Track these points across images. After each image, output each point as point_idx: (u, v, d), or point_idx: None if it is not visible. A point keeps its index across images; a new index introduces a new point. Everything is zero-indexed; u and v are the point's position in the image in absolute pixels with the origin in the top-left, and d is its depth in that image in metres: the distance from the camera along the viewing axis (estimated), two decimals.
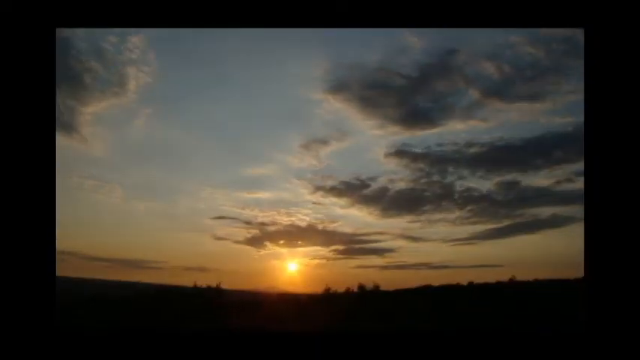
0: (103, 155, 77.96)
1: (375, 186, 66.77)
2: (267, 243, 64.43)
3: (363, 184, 66.94)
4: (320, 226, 64.19)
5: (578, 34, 48.32)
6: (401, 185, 64.11)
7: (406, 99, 64.49)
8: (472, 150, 60.28)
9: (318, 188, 66.11)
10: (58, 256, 6.42)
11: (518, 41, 58.87)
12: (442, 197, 62.07)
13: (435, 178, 64.61)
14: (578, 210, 53.82)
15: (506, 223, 64.46)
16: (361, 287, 22.57)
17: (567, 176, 58.68)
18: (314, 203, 72.99)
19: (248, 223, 66.69)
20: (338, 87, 68.26)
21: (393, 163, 68.14)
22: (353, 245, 62.90)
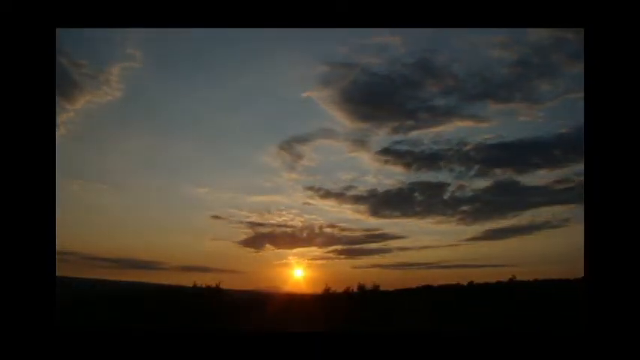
0: (96, 154, 78.15)
1: (369, 186, 66.52)
2: (266, 243, 64.44)
3: (356, 185, 66.74)
4: (316, 227, 64.06)
5: (567, 33, 48.14)
6: (396, 185, 63.61)
7: (396, 98, 63.91)
8: (466, 149, 59.69)
9: (309, 189, 65.94)
10: (58, 256, 6.43)
11: (509, 40, 58.60)
12: (438, 197, 61.74)
13: (430, 178, 64.31)
14: (577, 210, 53.62)
15: (505, 222, 64.34)
16: (361, 287, 22.56)
17: (566, 176, 58.53)
18: (307, 204, 72.78)
19: (246, 223, 66.87)
20: (325, 86, 67.66)
21: (384, 163, 67.43)
22: (351, 246, 62.72)
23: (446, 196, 59.78)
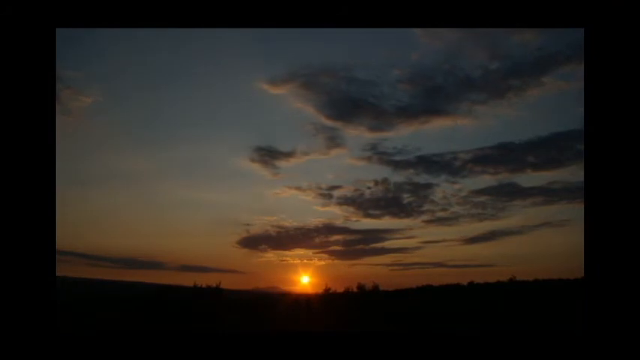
0: (95, 155, 78.71)
1: (364, 186, 66.59)
2: (264, 244, 64.66)
3: (348, 184, 66.64)
4: (314, 228, 64.11)
5: (562, 32, 48.13)
6: (394, 185, 63.39)
7: (384, 97, 63.59)
8: (460, 149, 59.86)
9: (300, 189, 65.94)
10: (58, 256, 6.43)
11: (500, 39, 58.52)
12: (437, 197, 61.66)
13: (426, 178, 64.26)
14: (577, 209, 53.63)
15: (504, 222, 64.52)
16: (360, 287, 22.56)
17: (566, 176, 58.59)
18: (302, 204, 72.94)
19: (244, 224, 67.31)
20: (308, 86, 67.05)
21: (377, 163, 67.15)
22: (351, 246, 62.84)
23: (447, 197, 59.94)
